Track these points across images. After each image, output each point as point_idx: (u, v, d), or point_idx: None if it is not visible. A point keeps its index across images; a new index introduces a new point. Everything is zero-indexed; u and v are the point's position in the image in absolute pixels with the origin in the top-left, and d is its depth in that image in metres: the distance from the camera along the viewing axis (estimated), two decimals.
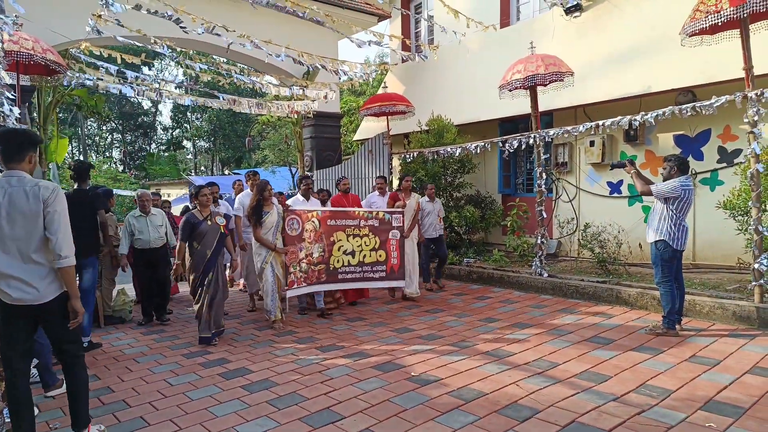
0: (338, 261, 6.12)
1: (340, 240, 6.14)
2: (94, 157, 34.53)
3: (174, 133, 38.62)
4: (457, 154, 8.09)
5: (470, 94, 9.71)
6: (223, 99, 9.03)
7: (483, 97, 8.99)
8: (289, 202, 6.46)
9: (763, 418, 2.99)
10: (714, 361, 3.98)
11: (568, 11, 8.16)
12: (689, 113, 5.44)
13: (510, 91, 7.11)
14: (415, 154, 8.94)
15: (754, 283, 5.03)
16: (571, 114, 8.42)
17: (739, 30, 4.99)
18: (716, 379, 3.62)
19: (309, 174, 9.79)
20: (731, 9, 4.67)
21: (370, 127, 11.68)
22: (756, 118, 4.95)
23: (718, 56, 5.93)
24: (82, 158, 29.56)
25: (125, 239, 5.87)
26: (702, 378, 3.66)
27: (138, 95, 8.18)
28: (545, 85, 7.10)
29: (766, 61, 5.40)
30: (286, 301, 5.84)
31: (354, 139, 13.81)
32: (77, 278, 4.88)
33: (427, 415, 3.22)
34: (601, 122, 6.24)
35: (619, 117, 6.04)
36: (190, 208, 7.79)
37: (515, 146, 7.28)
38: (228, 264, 7.45)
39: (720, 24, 4.84)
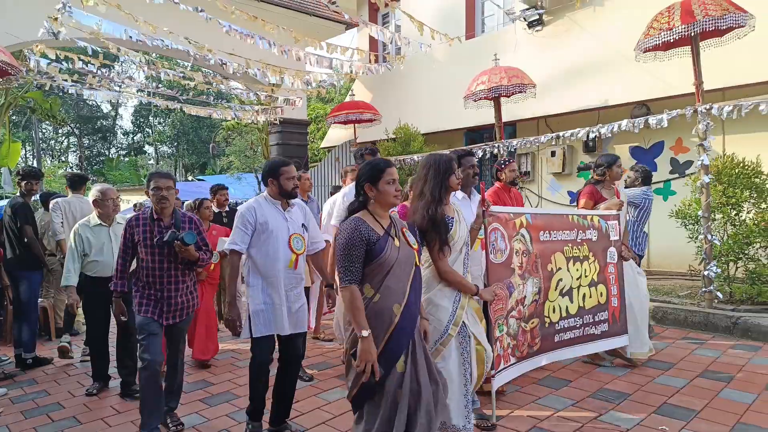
0: (554, 309, 3.57)
1: (560, 269, 3.61)
2: (49, 162, 33.20)
3: (135, 138, 37.56)
4: None
5: (436, 104, 9.83)
6: (182, 102, 8.86)
7: (449, 106, 9.12)
8: None
9: (713, 421, 3.11)
10: (667, 366, 4.11)
11: (531, 25, 8.39)
12: (642, 127, 5.66)
13: (475, 101, 7.24)
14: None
15: (704, 289, 5.25)
16: (534, 125, 8.63)
17: (690, 47, 5.24)
18: (669, 382, 3.75)
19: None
20: (683, 26, 4.91)
21: (337, 135, 11.67)
22: (705, 131, 5.20)
23: (670, 72, 6.20)
24: (35, 163, 28.36)
25: (73, 263, 3.80)
26: (656, 382, 3.78)
27: (105, 97, 7.90)
28: (508, 96, 7.26)
29: (715, 77, 5.68)
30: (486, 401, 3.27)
31: (321, 146, 13.76)
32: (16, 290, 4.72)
33: None
34: (561, 133, 6.42)
35: (578, 129, 6.24)
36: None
37: (480, 155, 7.40)
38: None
39: (672, 41, 5.09)
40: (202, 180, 24.21)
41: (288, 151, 11.27)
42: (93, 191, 3.99)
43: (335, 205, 4.38)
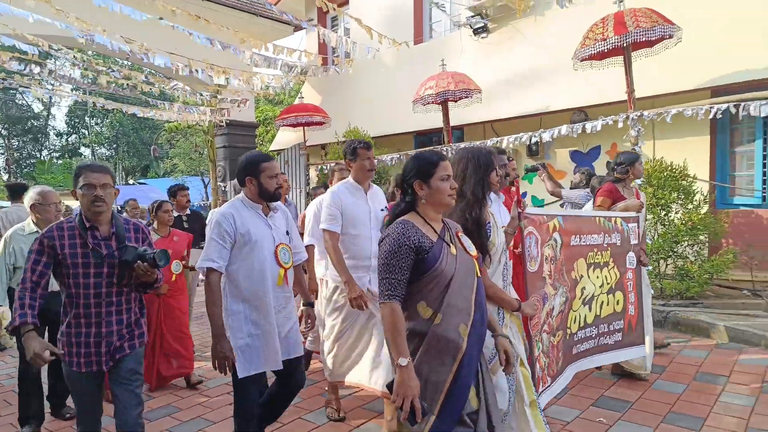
0: (575, 319, 3.26)
1: (582, 276, 3.32)
2: None
3: (69, 139, 35.51)
4: None
5: (386, 107, 9.89)
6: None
7: (398, 110, 9.19)
8: None
9: (647, 411, 3.29)
10: None
11: (476, 32, 8.60)
12: (580, 132, 5.94)
13: (423, 105, 7.34)
14: (333, 165, 8.93)
15: None
16: (481, 129, 8.85)
17: (623, 57, 5.53)
18: (606, 376, 3.93)
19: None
20: (616, 37, 5.17)
21: (286, 138, 11.51)
22: (637, 136, 5.51)
23: (606, 80, 6.52)
24: None
25: (2, 276, 3.40)
26: (594, 376, 3.95)
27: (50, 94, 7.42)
28: (456, 101, 7.40)
29: (646, 85, 6.02)
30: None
31: (270, 149, 13.52)
32: None
33: None
34: (505, 138, 6.62)
35: (521, 134, 6.45)
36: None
37: None
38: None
39: (606, 50, 5.35)
40: (144, 183, 23.27)
41: (235, 154, 11.03)
42: (31, 194, 3.41)
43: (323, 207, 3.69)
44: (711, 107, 5.14)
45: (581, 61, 5.70)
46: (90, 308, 2.30)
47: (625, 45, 5.24)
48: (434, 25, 10.09)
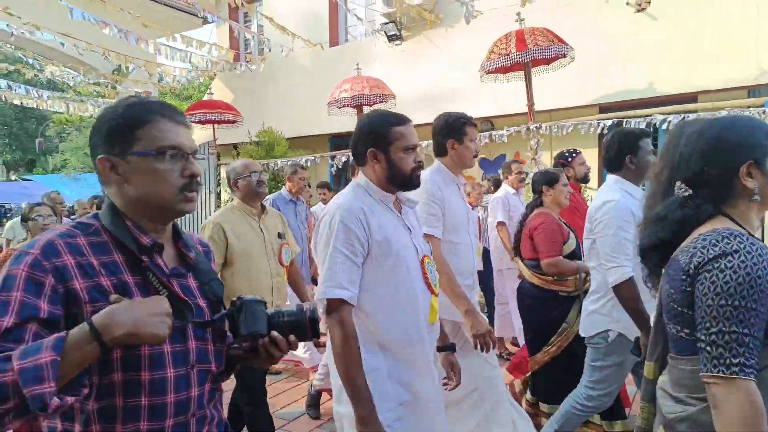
0: None
1: None
2: None
3: None
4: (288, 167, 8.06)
5: (301, 108, 9.78)
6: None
7: (313, 111, 9.13)
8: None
9: None
10: None
11: (390, 39, 8.78)
12: (487, 140, 6.29)
13: (339, 108, 7.36)
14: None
15: None
16: None
17: (524, 72, 5.94)
18: None
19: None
20: (517, 53, 5.54)
21: (194, 135, 10.97)
22: (536, 146, 5.94)
23: (510, 92, 6.95)
24: None
25: None
26: None
27: None
28: (371, 105, 7.51)
29: (545, 99, 6.50)
30: None
31: None
32: None
33: None
34: (419, 143, 6.83)
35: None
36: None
37: (344, 161, 7.54)
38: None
39: (509, 65, 5.71)
40: (29, 180, 21.05)
41: None
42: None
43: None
44: (598, 122, 5.68)
45: (487, 73, 6.04)
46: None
47: (525, 61, 5.63)
48: (350, 28, 10.15)
